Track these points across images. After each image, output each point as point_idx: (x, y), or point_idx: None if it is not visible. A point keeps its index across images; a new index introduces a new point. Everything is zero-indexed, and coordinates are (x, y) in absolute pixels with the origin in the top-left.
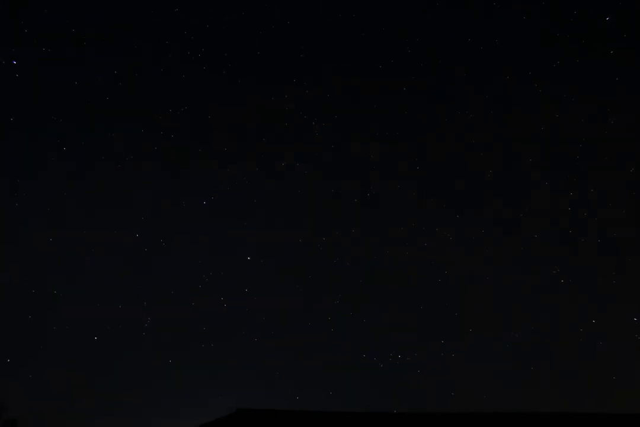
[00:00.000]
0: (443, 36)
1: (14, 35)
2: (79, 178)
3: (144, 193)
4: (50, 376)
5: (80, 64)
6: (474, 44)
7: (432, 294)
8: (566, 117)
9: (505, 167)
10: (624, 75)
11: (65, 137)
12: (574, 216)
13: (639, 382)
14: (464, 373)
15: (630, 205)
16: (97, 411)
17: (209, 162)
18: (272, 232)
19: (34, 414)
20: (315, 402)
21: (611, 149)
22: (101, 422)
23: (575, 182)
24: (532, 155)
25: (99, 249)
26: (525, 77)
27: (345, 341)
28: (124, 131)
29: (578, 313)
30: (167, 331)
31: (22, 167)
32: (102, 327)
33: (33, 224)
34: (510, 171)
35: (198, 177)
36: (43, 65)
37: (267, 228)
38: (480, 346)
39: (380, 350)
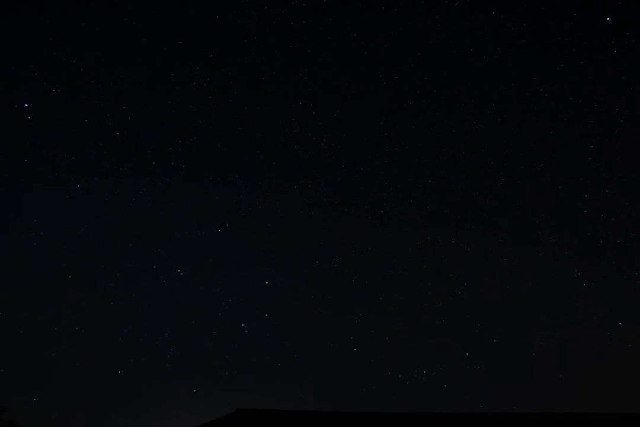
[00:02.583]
0: (444, 40)
1: (13, 37)
2: (81, 186)
3: (147, 202)
4: (50, 376)
5: (81, 67)
6: (475, 48)
7: (453, 307)
8: (573, 118)
9: (516, 172)
10: (627, 74)
11: (65, 142)
12: (587, 218)
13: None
14: (491, 384)
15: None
16: (97, 411)
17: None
18: (286, 250)
19: (34, 414)
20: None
21: (621, 149)
22: (101, 423)
23: (587, 183)
24: (542, 159)
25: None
26: (530, 81)
27: (366, 357)
28: (126, 137)
29: (593, 318)
30: (166, 330)
31: (23, 169)
32: (101, 326)
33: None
34: (521, 176)
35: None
36: (43, 68)
37: (281, 246)
38: (504, 355)
39: (404, 366)
